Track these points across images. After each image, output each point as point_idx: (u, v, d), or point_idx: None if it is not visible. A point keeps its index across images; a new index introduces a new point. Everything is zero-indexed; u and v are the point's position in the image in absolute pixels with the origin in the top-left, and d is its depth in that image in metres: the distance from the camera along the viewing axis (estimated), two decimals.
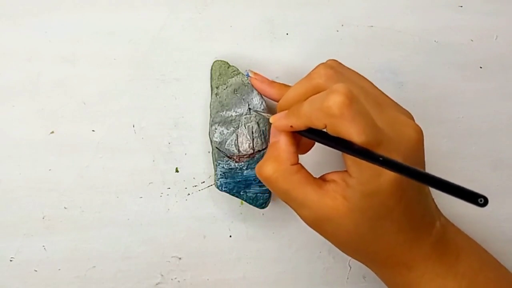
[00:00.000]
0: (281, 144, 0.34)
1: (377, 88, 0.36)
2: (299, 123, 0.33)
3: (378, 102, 0.34)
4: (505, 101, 0.45)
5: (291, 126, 0.34)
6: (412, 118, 0.36)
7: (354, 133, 0.30)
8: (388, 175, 0.31)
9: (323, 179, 0.34)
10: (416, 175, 0.28)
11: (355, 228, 0.33)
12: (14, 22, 0.41)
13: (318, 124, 0.32)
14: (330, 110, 0.30)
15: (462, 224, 0.40)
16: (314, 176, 0.35)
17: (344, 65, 0.37)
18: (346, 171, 0.33)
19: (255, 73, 0.40)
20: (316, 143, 0.37)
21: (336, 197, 0.32)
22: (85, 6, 0.41)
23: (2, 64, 0.40)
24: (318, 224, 0.34)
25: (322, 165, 0.43)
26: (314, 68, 0.36)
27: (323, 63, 0.36)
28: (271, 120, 0.35)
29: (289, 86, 0.39)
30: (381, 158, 0.29)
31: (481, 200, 0.24)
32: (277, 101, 0.39)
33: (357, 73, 0.37)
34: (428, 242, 0.35)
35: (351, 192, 0.32)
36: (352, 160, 0.32)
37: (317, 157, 0.43)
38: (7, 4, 0.41)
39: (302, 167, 0.34)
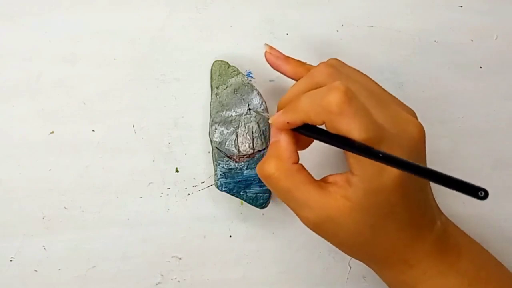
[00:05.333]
0: (282, 142, 0.34)
1: (379, 86, 0.36)
2: (296, 118, 0.33)
3: (379, 99, 0.34)
4: (505, 101, 0.45)
5: (288, 122, 0.33)
6: (415, 116, 0.36)
7: (355, 130, 0.30)
8: (391, 172, 0.31)
9: (324, 181, 0.34)
10: (417, 170, 0.28)
11: (357, 228, 0.33)
12: (14, 22, 0.41)
13: (316, 120, 0.32)
14: (330, 106, 0.30)
15: (462, 224, 0.40)
16: (315, 178, 0.34)
17: (345, 64, 0.37)
18: (347, 172, 0.33)
19: (271, 47, 0.39)
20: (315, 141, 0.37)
21: (338, 198, 0.32)
22: (85, 6, 0.41)
23: (2, 64, 0.41)
24: (319, 225, 0.33)
25: (322, 167, 0.43)
26: (316, 67, 0.36)
27: (324, 61, 0.36)
28: (270, 121, 0.35)
29: (305, 64, 0.38)
30: (381, 155, 0.29)
31: (481, 193, 0.24)
32: (292, 78, 0.38)
33: (358, 71, 0.37)
34: (429, 239, 0.35)
35: (353, 191, 0.32)
36: (354, 158, 0.32)
37: (318, 158, 0.43)
38: (7, 4, 0.41)
39: (303, 167, 0.34)
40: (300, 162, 0.35)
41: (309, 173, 0.34)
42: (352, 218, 0.32)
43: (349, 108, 0.30)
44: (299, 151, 0.36)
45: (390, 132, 0.32)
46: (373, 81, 0.36)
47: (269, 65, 0.39)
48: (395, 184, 0.31)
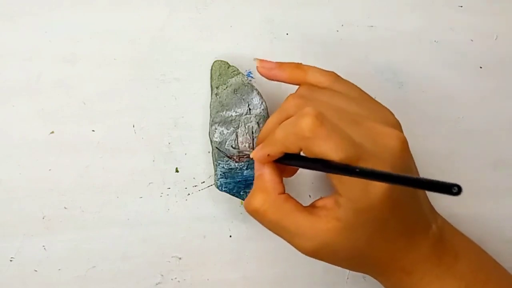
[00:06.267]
0: (266, 175, 0.34)
1: (352, 102, 0.35)
2: (275, 150, 0.33)
3: (354, 119, 0.33)
4: (505, 101, 0.45)
5: (268, 155, 0.33)
6: (398, 126, 0.36)
7: (331, 151, 0.30)
8: (377, 188, 0.31)
9: (312, 206, 0.34)
10: (389, 178, 0.28)
11: (352, 246, 0.33)
12: (14, 22, 0.41)
13: (293, 148, 0.32)
14: (303, 132, 0.31)
15: (461, 224, 0.40)
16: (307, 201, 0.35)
17: (315, 88, 0.36)
18: (334, 194, 0.33)
19: (260, 60, 0.38)
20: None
21: (329, 221, 0.32)
22: (85, 6, 0.41)
23: (2, 64, 0.40)
24: (314, 252, 0.33)
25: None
26: (285, 100, 0.36)
27: (292, 93, 0.36)
28: (251, 155, 0.35)
29: (300, 64, 0.38)
30: (357, 170, 0.29)
31: (454, 189, 0.24)
32: (292, 83, 0.37)
33: (330, 92, 0.36)
34: (425, 245, 0.35)
35: (343, 212, 0.32)
36: (337, 179, 0.32)
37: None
38: (7, 4, 0.41)
39: (290, 196, 0.34)
40: (291, 186, 0.35)
41: (297, 201, 0.34)
42: (346, 237, 0.32)
43: (321, 130, 0.30)
44: (288, 178, 0.36)
45: (369, 149, 0.31)
46: (347, 98, 0.35)
47: (257, 71, 0.38)
48: (383, 199, 0.31)
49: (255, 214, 0.34)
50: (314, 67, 0.37)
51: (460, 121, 0.45)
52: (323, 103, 0.34)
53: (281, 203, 0.34)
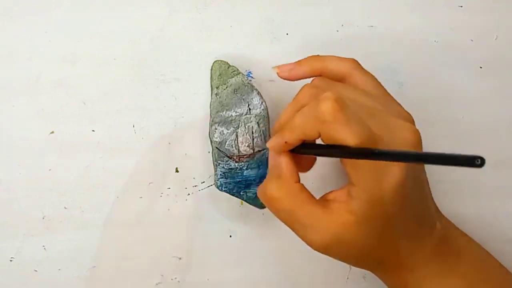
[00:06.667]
0: (282, 163, 0.34)
1: (368, 96, 0.35)
2: (294, 137, 0.33)
3: (369, 111, 0.33)
4: (505, 101, 0.45)
5: (286, 142, 0.33)
6: (411, 120, 0.36)
7: (349, 136, 0.30)
8: (391, 179, 0.31)
9: (324, 199, 0.34)
10: (414, 157, 0.28)
11: (363, 241, 0.32)
12: (14, 22, 0.41)
13: (312, 133, 0.32)
14: (323, 116, 0.30)
15: (462, 224, 0.40)
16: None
17: (329, 80, 0.36)
18: (347, 185, 0.33)
19: (278, 67, 0.38)
20: (317, 161, 0.37)
21: (342, 214, 0.32)
22: (85, 6, 0.41)
23: (2, 64, 0.41)
24: (325, 246, 0.33)
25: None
26: (300, 90, 0.35)
27: (307, 84, 0.36)
28: (267, 145, 0.34)
29: (317, 56, 0.37)
30: (376, 151, 0.29)
31: (478, 161, 0.24)
32: (314, 76, 0.37)
33: (344, 85, 0.36)
34: (429, 243, 0.35)
35: (355, 204, 0.32)
36: (352, 168, 0.31)
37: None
38: (7, 4, 0.41)
39: (305, 187, 0.34)
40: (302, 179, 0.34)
41: (310, 193, 0.34)
42: (358, 232, 0.32)
43: (341, 115, 0.30)
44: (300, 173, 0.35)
45: (384, 140, 0.31)
46: (361, 92, 0.35)
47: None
48: (396, 191, 0.31)
49: (270, 201, 0.34)
50: (332, 55, 0.37)
51: (460, 121, 0.45)
52: (339, 93, 0.34)
53: (297, 192, 0.33)
